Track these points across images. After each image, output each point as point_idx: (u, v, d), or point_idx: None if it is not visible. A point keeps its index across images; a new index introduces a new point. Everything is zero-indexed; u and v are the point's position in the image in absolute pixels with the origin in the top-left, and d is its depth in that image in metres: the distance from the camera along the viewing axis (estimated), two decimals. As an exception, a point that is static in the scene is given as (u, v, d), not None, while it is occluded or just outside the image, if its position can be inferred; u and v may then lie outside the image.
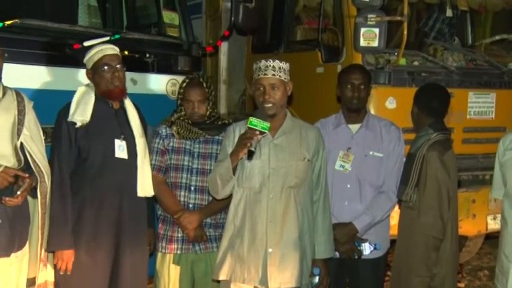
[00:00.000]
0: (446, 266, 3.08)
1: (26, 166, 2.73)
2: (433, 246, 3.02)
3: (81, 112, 2.90)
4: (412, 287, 3.05)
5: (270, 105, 2.69)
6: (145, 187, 3.02)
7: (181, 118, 3.12)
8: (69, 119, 2.88)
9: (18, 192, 2.63)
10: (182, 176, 3.08)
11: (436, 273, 3.06)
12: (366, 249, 3.15)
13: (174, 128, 3.10)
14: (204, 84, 3.13)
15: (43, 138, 2.93)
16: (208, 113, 3.14)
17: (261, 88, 2.70)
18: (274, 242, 2.69)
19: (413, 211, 3.07)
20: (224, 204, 2.95)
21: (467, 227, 4.46)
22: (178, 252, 3.08)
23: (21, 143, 2.74)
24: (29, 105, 2.84)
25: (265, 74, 2.68)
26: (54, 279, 2.95)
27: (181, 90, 3.14)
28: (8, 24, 3.22)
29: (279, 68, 2.69)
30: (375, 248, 3.16)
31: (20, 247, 2.78)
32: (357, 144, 3.21)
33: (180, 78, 3.23)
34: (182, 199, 3.08)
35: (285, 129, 2.78)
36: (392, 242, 3.39)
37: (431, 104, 3.15)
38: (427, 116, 3.15)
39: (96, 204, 2.91)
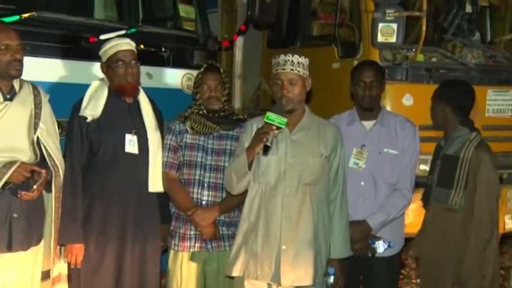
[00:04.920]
0: (494, 265, 3.03)
1: (41, 160, 2.74)
2: (483, 248, 2.98)
3: (93, 107, 2.90)
4: None
5: (287, 100, 2.66)
6: (156, 183, 3.01)
7: (196, 111, 3.10)
8: (81, 113, 2.89)
9: (35, 187, 2.64)
10: (195, 173, 3.05)
11: (485, 275, 3.01)
12: (380, 247, 3.13)
13: (188, 123, 3.08)
14: (221, 70, 3.14)
15: (58, 132, 2.94)
16: (223, 99, 3.11)
17: (279, 83, 2.68)
18: (288, 239, 2.67)
19: (456, 214, 3.02)
20: (238, 201, 2.93)
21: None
22: (191, 250, 3.05)
23: (37, 137, 2.74)
24: (45, 99, 2.84)
25: (283, 69, 2.66)
26: (67, 272, 2.96)
27: (199, 76, 3.12)
28: (24, 17, 3.22)
29: (298, 63, 2.66)
30: (389, 246, 3.14)
31: (38, 241, 2.80)
32: (371, 141, 3.17)
33: (195, 73, 3.22)
34: (195, 196, 3.04)
35: (303, 125, 2.75)
36: (407, 240, 3.35)
37: (464, 102, 3.07)
38: (458, 114, 3.08)
39: (106, 198, 2.92)
